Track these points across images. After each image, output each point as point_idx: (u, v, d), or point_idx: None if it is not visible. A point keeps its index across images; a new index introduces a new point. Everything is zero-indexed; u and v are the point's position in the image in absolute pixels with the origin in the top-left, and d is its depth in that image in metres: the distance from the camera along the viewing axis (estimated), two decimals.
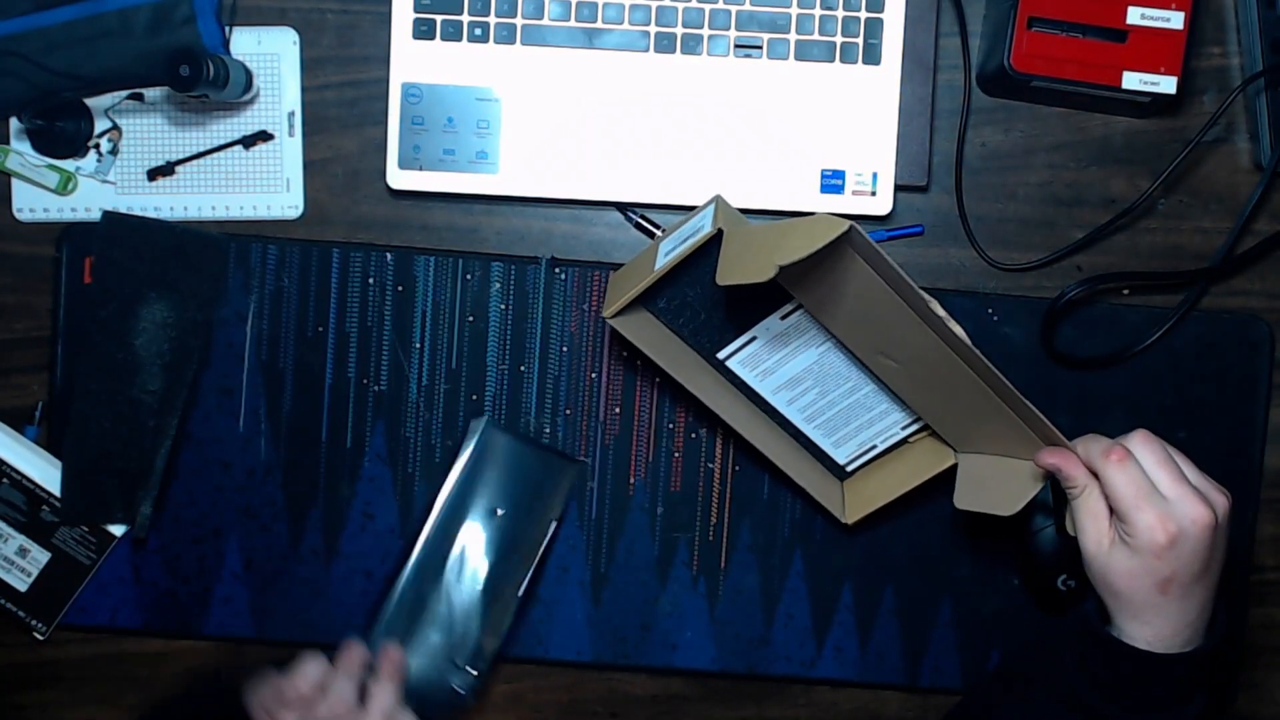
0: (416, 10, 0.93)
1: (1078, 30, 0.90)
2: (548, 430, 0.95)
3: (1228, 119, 0.97)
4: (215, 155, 0.95)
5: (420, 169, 0.93)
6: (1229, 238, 0.95)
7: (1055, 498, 0.94)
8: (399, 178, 0.93)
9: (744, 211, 0.95)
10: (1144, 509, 0.73)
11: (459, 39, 0.93)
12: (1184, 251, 0.97)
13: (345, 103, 0.96)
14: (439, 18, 0.93)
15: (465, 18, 0.93)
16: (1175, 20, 0.90)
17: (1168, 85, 0.90)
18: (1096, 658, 0.76)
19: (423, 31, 0.93)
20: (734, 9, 0.93)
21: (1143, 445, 0.76)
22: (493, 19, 0.93)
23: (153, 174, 0.95)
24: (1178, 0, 0.90)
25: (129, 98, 0.94)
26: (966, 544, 0.96)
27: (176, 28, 0.91)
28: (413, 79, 0.93)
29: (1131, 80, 0.90)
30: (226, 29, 0.93)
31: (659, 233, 0.95)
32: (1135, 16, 0.90)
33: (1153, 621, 0.74)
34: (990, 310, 0.96)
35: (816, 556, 0.96)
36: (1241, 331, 0.97)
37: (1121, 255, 0.97)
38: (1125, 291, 0.97)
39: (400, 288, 0.95)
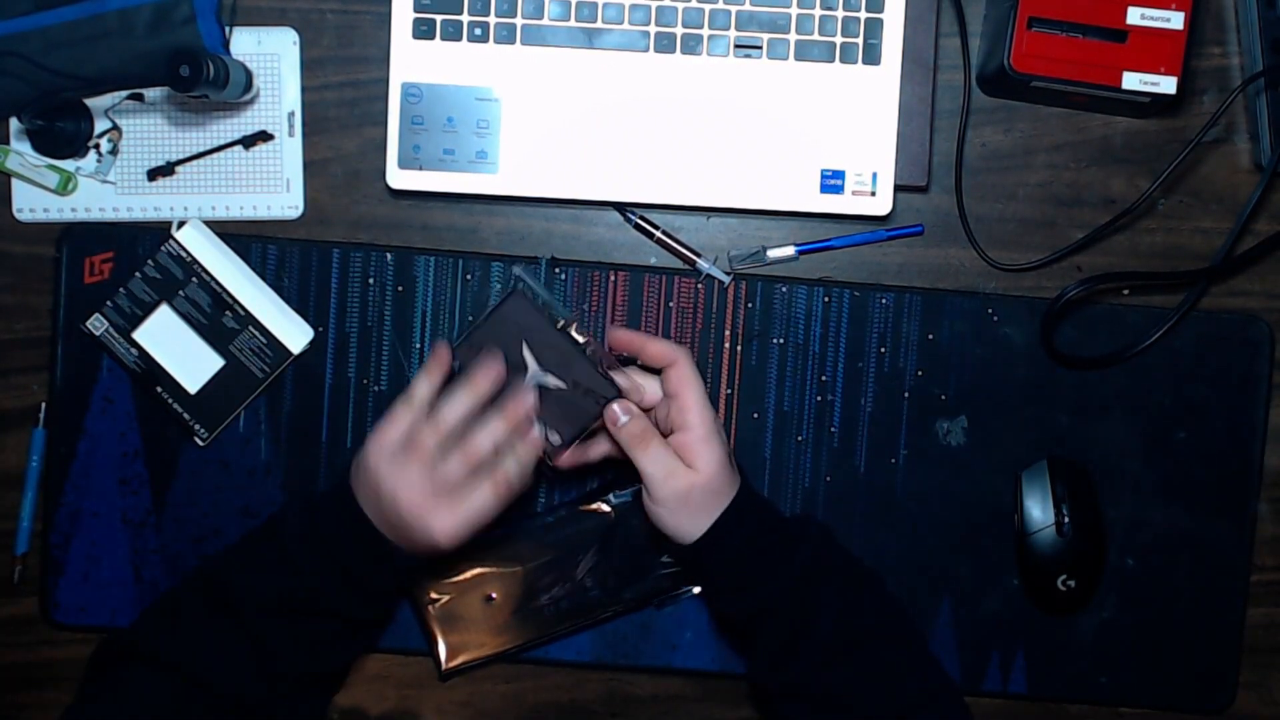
0: (416, 10, 0.93)
1: (1078, 30, 0.90)
2: None
3: (1228, 119, 0.97)
4: (215, 155, 0.95)
5: (420, 169, 0.93)
6: (1229, 238, 0.95)
7: (1055, 499, 0.94)
8: (399, 178, 0.93)
9: (744, 211, 0.95)
10: (702, 393, 0.83)
11: (459, 39, 0.93)
12: (1184, 251, 0.97)
13: (345, 103, 0.95)
14: (439, 18, 0.93)
15: (465, 18, 0.93)
16: (1175, 20, 0.90)
17: (1168, 85, 0.90)
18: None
19: (423, 31, 0.93)
20: (734, 9, 0.93)
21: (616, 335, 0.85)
22: (493, 19, 0.93)
23: (153, 174, 0.95)
24: (1178, 0, 0.90)
25: (129, 98, 0.94)
26: (966, 544, 0.96)
27: (177, 28, 0.91)
28: (413, 79, 0.93)
29: (1131, 80, 0.90)
30: (227, 29, 0.93)
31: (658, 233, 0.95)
32: (1135, 16, 0.90)
33: (715, 463, 0.82)
34: (990, 310, 0.96)
35: None
36: (1241, 331, 0.97)
37: (1121, 255, 0.97)
38: (1125, 291, 0.97)
39: (400, 288, 0.95)
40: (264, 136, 0.95)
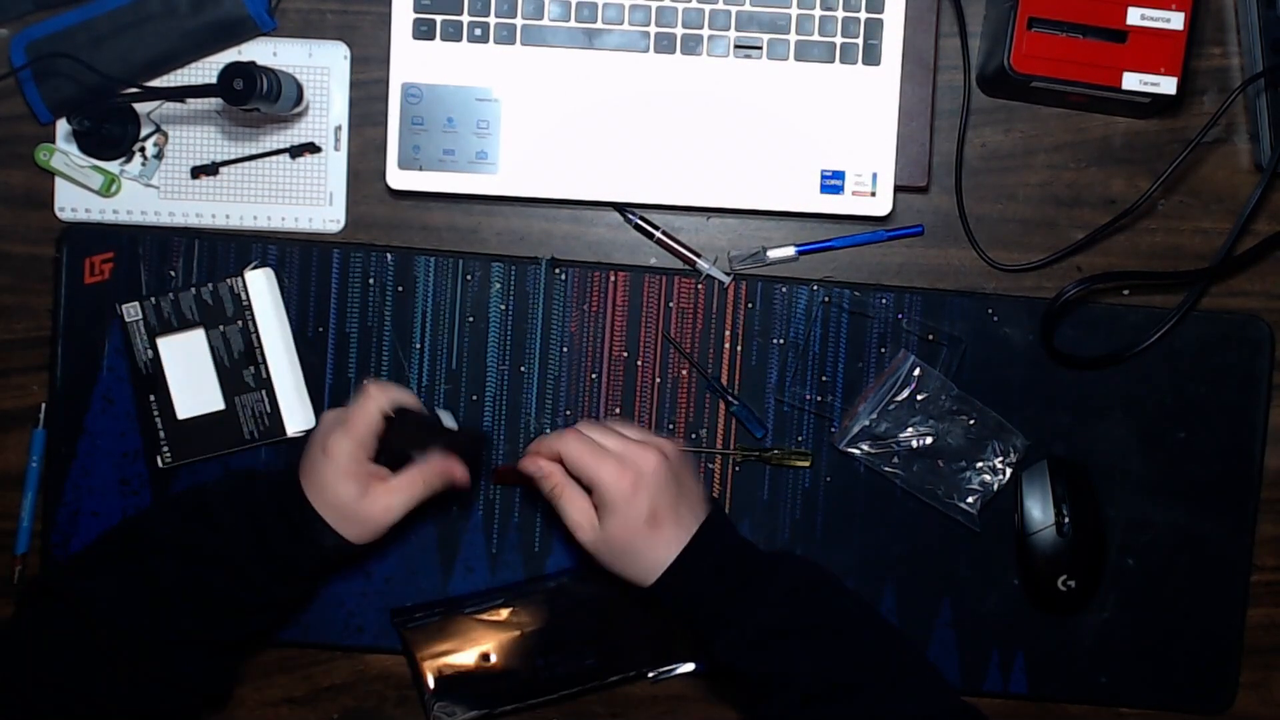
0: (416, 10, 0.93)
1: (1078, 30, 0.90)
2: (548, 431, 0.95)
3: (1228, 119, 0.97)
4: (259, 163, 0.95)
5: (420, 169, 0.93)
6: (1229, 238, 0.95)
7: (1055, 499, 0.94)
8: (399, 178, 0.93)
9: (744, 211, 0.95)
10: (603, 464, 0.83)
11: (459, 39, 0.93)
12: (1184, 251, 0.97)
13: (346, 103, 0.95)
14: (439, 18, 0.93)
15: (465, 18, 0.93)
16: (1175, 20, 0.90)
17: (1168, 85, 0.90)
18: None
19: (423, 31, 0.93)
20: (734, 9, 0.93)
21: (584, 424, 0.86)
22: (493, 19, 0.93)
23: (196, 172, 0.95)
24: (1178, 0, 0.90)
25: (174, 100, 0.93)
26: (966, 544, 0.96)
27: (220, 1, 0.91)
28: (413, 79, 0.93)
29: (1131, 81, 0.90)
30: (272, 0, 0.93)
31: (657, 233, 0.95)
32: (1135, 17, 0.90)
33: (661, 554, 0.83)
34: (990, 310, 0.96)
35: (816, 556, 0.96)
36: (1241, 331, 0.97)
37: (1121, 255, 0.97)
38: (1125, 291, 0.97)
39: (400, 288, 0.95)
40: (311, 148, 0.95)
